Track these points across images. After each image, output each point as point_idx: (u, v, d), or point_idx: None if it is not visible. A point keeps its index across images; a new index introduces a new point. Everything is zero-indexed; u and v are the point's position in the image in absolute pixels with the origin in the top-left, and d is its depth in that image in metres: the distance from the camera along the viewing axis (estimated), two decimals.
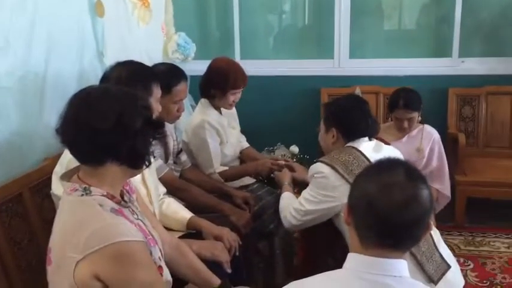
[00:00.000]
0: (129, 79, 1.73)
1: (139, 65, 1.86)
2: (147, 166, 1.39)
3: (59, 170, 1.67)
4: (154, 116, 1.40)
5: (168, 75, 2.16)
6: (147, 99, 1.43)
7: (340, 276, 1.16)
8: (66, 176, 1.37)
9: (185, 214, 2.03)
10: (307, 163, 3.24)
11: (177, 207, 2.06)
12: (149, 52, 3.16)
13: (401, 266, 1.14)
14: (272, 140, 3.63)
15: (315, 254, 2.44)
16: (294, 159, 3.24)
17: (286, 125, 3.81)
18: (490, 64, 3.67)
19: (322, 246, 2.34)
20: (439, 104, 3.65)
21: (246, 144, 2.94)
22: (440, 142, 2.99)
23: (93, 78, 2.37)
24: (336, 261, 2.35)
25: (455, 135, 3.36)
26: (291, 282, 1.22)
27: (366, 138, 2.06)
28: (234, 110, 2.79)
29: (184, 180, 2.38)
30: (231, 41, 3.99)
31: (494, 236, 3.24)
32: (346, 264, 1.19)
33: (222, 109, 2.68)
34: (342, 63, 3.89)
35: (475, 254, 3.05)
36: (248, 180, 2.75)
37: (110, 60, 2.30)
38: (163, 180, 2.12)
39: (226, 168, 2.62)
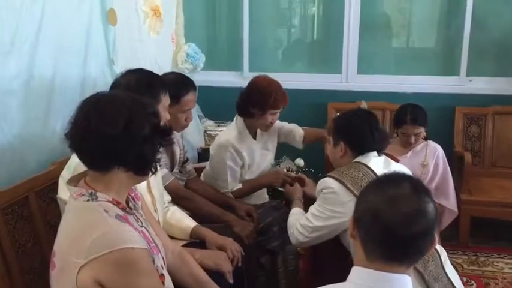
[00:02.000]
0: (138, 86, 1.75)
1: (149, 73, 1.88)
2: (154, 173, 1.40)
3: (65, 174, 1.69)
4: (162, 123, 1.40)
5: (177, 84, 2.18)
6: (155, 106, 1.44)
7: None
8: (73, 181, 1.38)
9: (189, 223, 2.04)
10: (312, 176, 3.25)
11: (181, 216, 2.07)
12: (159, 61, 3.19)
13: (407, 281, 1.14)
14: (277, 152, 3.62)
15: (320, 270, 2.43)
16: (299, 172, 3.25)
17: None
18: (498, 84, 3.68)
19: (329, 263, 2.34)
20: (445, 122, 3.65)
21: (300, 131, 2.82)
22: (445, 157, 2.99)
23: (103, 85, 2.40)
24: (342, 278, 2.34)
25: (462, 153, 3.36)
26: None
27: (375, 153, 2.05)
28: (275, 131, 2.74)
29: (189, 190, 2.38)
30: (240, 53, 4.02)
31: (498, 256, 3.22)
32: (350, 278, 1.19)
33: (258, 131, 2.66)
34: (350, 78, 3.90)
35: (478, 274, 3.02)
36: (260, 200, 2.73)
37: (120, 68, 2.34)
38: (168, 189, 2.13)
39: (240, 185, 2.61)
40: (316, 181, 2.66)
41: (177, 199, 2.19)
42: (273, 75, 4.02)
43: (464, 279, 2.91)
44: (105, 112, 1.29)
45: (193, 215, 2.21)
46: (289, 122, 3.82)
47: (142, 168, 1.35)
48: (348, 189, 1.91)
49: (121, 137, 1.27)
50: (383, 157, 2.06)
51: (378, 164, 2.00)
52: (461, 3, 3.67)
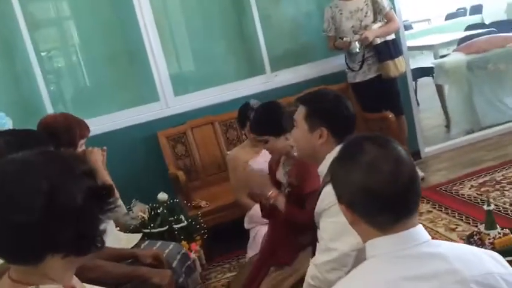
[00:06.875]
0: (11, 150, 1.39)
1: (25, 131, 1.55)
2: (100, 248, 1.06)
3: None
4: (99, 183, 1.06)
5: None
6: (86, 161, 1.12)
7: (377, 265, 1.09)
8: None
9: None
10: (178, 207, 3.07)
11: None
12: None
13: (423, 229, 1.14)
14: (126, 198, 3.33)
15: None
16: (165, 205, 3.03)
17: (135, 178, 3.55)
18: (301, 71, 4.05)
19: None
20: None
21: None
22: None
23: None
24: None
25: None
26: None
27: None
28: None
29: None
30: (43, 109, 3.57)
31: None
32: (370, 253, 1.11)
33: None
34: (169, 102, 3.83)
35: None
36: (133, 240, 2.45)
37: None
38: None
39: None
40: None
41: (84, 272, 1.80)
42: (92, 121, 3.71)
43: None
44: (13, 192, 0.95)
45: (100, 283, 1.85)
46: (125, 161, 3.57)
47: (84, 248, 1.03)
48: None
49: (44, 220, 0.95)
50: None
51: None
52: (246, 8, 3.93)
